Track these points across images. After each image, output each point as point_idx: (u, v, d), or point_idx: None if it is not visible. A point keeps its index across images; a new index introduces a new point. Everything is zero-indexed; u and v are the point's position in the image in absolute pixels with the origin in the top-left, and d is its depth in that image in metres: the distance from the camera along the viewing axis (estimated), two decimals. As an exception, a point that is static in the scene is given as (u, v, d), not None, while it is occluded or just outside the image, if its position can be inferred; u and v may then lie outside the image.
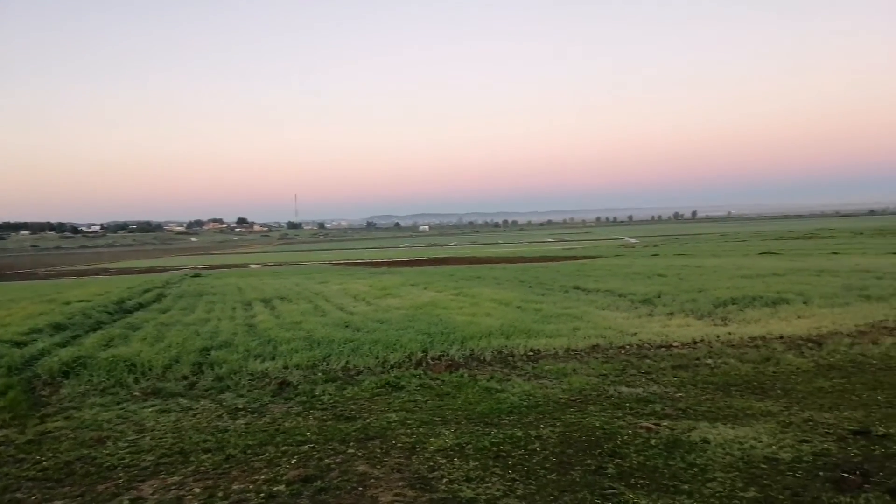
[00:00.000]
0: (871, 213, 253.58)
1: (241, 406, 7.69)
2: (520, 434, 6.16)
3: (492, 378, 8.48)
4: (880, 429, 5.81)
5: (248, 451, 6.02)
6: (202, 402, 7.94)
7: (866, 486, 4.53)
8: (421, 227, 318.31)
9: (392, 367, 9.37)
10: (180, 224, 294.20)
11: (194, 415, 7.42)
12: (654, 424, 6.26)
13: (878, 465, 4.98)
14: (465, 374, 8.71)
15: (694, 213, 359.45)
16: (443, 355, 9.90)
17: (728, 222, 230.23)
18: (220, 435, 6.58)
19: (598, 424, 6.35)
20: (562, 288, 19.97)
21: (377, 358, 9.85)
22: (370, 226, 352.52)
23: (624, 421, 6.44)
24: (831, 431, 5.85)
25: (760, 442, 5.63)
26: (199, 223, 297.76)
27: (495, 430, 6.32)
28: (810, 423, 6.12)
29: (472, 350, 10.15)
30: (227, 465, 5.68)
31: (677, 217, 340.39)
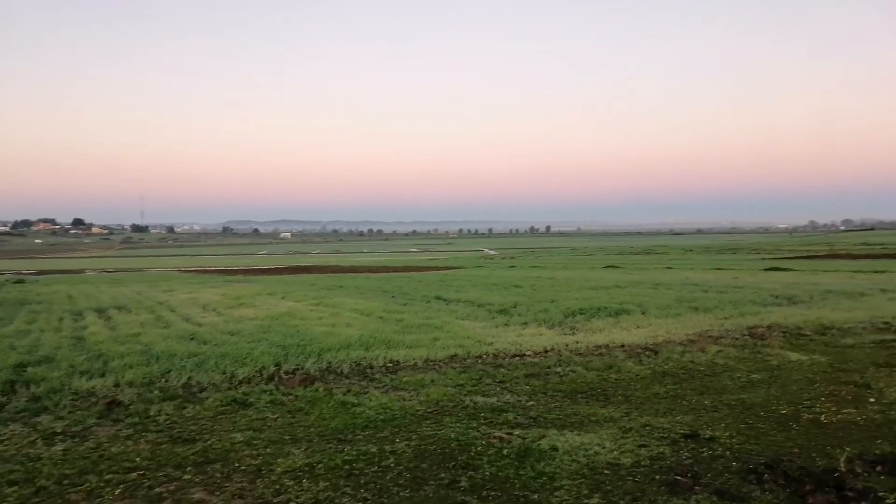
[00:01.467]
0: (699, 231, 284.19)
1: (59, 430, 6.77)
2: (374, 450, 5.96)
3: (348, 391, 8.20)
4: (707, 432, 6.31)
5: (65, 482, 5.28)
6: (12, 427, 6.90)
7: (696, 487, 4.86)
8: (282, 234, 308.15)
9: (241, 382, 8.78)
10: (4, 224, 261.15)
11: (0, 442, 6.41)
12: (507, 434, 6.35)
13: (706, 466, 5.38)
14: (321, 389, 8.36)
15: (548, 228, 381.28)
16: (297, 369, 9.45)
17: (578, 237, 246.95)
18: (30, 464, 5.72)
19: (453, 436, 6.32)
20: (424, 298, 20.08)
21: (224, 373, 9.19)
22: (226, 231, 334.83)
23: (478, 432, 6.46)
24: (666, 435, 6.26)
25: (604, 448, 5.89)
26: (26, 223, 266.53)
27: (349, 447, 6.07)
28: (648, 428, 6.52)
29: (330, 362, 9.80)
30: (37, 500, 4.93)
31: (533, 231, 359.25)
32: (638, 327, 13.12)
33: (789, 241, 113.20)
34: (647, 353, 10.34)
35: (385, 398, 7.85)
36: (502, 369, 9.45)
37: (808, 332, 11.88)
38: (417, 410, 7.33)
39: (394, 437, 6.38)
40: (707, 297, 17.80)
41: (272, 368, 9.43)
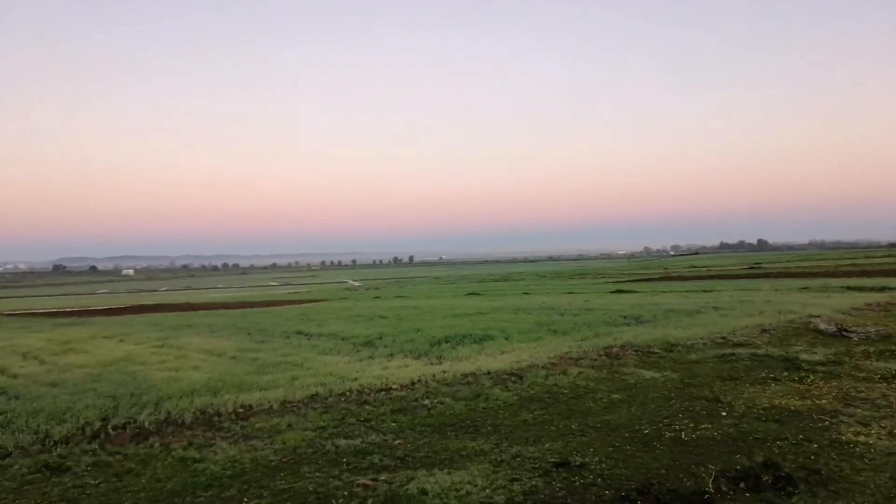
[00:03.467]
0: (550, 258, 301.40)
1: None
2: (218, 514, 5.12)
3: (190, 445, 7.17)
4: (577, 458, 6.16)
5: None
6: None
7: (573, 522, 4.60)
8: (124, 271, 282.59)
9: (57, 443, 7.39)
10: None
11: None
12: (372, 480, 5.77)
13: (580, 497, 5.18)
14: (157, 444, 7.24)
15: (411, 258, 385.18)
16: (129, 422, 8.18)
17: (440, 266, 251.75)
18: None
19: (311, 488, 5.63)
20: (283, 334, 18.88)
21: (37, 433, 7.73)
22: (58, 269, 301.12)
23: (340, 480, 5.83)
24: (537, 465, 6.03)
25: (475, 486, 5.51)
26: None
27: (187, 514, 5.17)
28: (518, 459, 6.26)
29: (170, 412, 8.61)
30: None
31: (397, 261, 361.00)
32: (502, 353, 13.11)
33: (629, 265, 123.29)
34: (512, 378, 10.24)
35: (234, 449, 6.94)
36: (367, 406, 8.85)
37: (657, 350, 12.50)
38: (271, 461, 6.53)
39: (241, 495, 5.56)
40: (563, 320, 18.40)
41: (98, 424, 8.08)
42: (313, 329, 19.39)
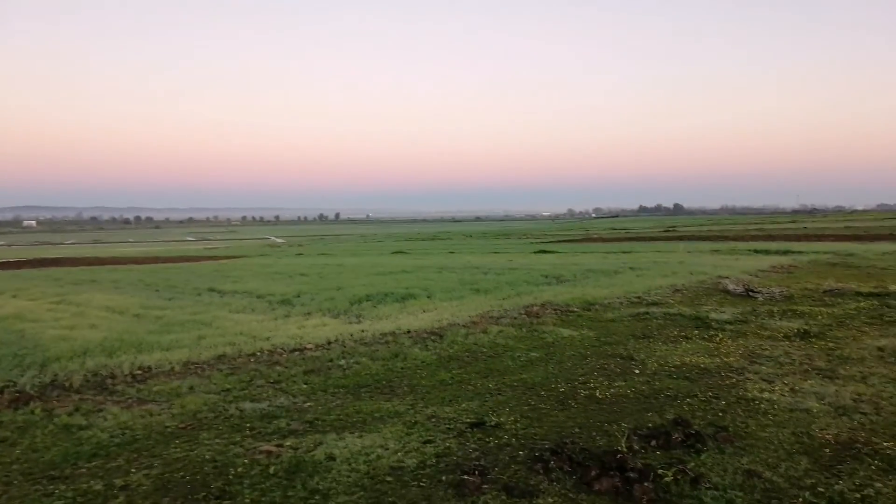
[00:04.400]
0: (478, 219, 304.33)
1: None
2: (99, 487, 4.64)
3: (76, 411, 6.55)
4: (493, 418, 6.03)
5: None
6: None
7: (485, 486, 4.43)
8: (25, 223, 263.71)
9: (-82, 411, 6.60)
10: None
11: None
12: (277, 446, 5.42)
13: (494, 458, 5.02)
14: (38, 410, 6.58)
15: (337, 215, 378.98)
16: (7, 386, 7.42)
17: (367, 224, 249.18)
18: None
19: (208, 457, 5.21)
20: (195, 291, 17.95)
21: None
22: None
23: (242, 447, 5.44)
24: (452, 426, 5.85)
25: (387, 449, 5.26)
26: None
27: (63, 487, 4.66)
28: (433, 420, 6.06)
29: (56, 374, 7.89)
30: None
31: (322, 218, 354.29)
32: (424, 311, 12.90)
33: (552, 226, 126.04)
34: (433, 337, 10.05)
35: (126, 415, 6.39)
36: (278, 367, 8.42)
37: (576, 309, 12.63)
38: (167, 427, 6.04)
39: (130, 465, 5.08)
40: (487, 279, 18.41)
41: (-30, 388, 7.29)
42: (227, 286, 18.55)
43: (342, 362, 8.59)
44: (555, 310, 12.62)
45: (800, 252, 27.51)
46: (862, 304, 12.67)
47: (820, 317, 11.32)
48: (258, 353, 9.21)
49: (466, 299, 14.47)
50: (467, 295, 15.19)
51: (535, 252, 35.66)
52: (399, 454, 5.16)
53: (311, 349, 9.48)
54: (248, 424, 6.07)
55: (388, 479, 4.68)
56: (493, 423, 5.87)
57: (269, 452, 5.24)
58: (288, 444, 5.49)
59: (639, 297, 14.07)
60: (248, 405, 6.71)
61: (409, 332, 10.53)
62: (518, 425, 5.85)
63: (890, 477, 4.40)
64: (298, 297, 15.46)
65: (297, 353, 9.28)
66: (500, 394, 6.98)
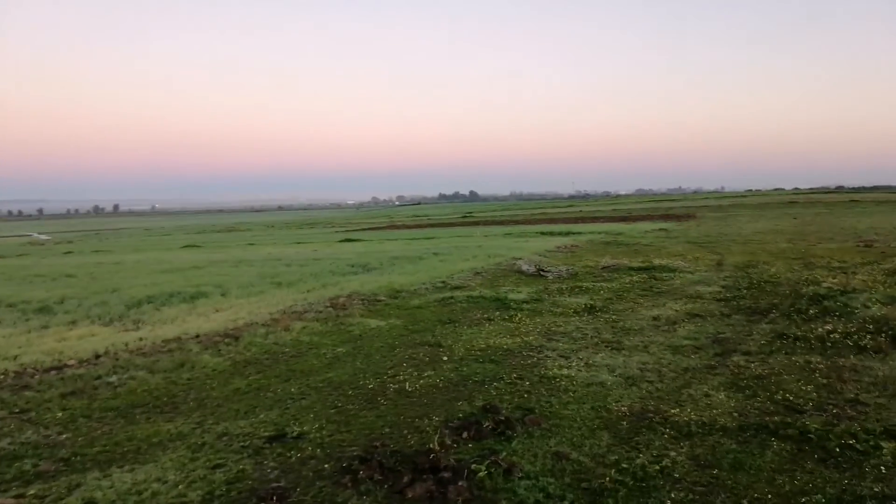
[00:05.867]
0: (280, 208, 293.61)
1: None
2: None
3: None
4: (295, 428, 5.42)
5: None
6: None
7: (284, 514, 3.86)
8: None
9: None
10: None
11: None
12: (17, 498, 4.28)
13: (296, 476, 4.45)
14: None
15: (116, 207, 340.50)
16: None
17: (153, 216, 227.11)
18: None
19: None
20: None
21: None
22: None
23: (-38, 507, 4.21)
24: (247, 444, 5.13)
25: (165, 483, 4.42)
26: None
27: None
28: (225, 439, 5.28)
29: None
30: None
31: (98, 210, 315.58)
32: (217, 311, 11.68)
33: (357, 215, 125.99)
34: (226, 340, 9.04)
35: None
36: (28, 392, 6.89)
37: (383, 297, 12.35)
38: None
39: None
40: (290, 271, 17.43)
41: None
42: (-34, 295, 15.26)
43: (113, 379, 7.30)
44: (362, 300, 12.22)
45: (579, 233, 30.36)
46: (634, 277, 14.11)
47: (602, 292, 12.34)
48: (1, 377, 7.49)
49: (267, 294, 13.46)
50: (268, 289, 14.16)
51: (340, 241, 35.01)
52: (180, 487, 4.35)
53: (73, 366, 7.95)
54: (-25, 474, 4.76)
55: (166, 521, 3.88)
56: (294, 434, 5.27)
57: (1, 510, 4.11)
58: (32, 492, 4.37)
59: (443, 282, 14.22)
60: (-22, 448, 5.30)
61: (198, 336, 9.37)
62: (323, 433, 5.32)
63: (681, 444, 4.67)
64: (62, 303, 13.16)
65: (54, 372, 7.71)
66: (303, 398, 6.37)
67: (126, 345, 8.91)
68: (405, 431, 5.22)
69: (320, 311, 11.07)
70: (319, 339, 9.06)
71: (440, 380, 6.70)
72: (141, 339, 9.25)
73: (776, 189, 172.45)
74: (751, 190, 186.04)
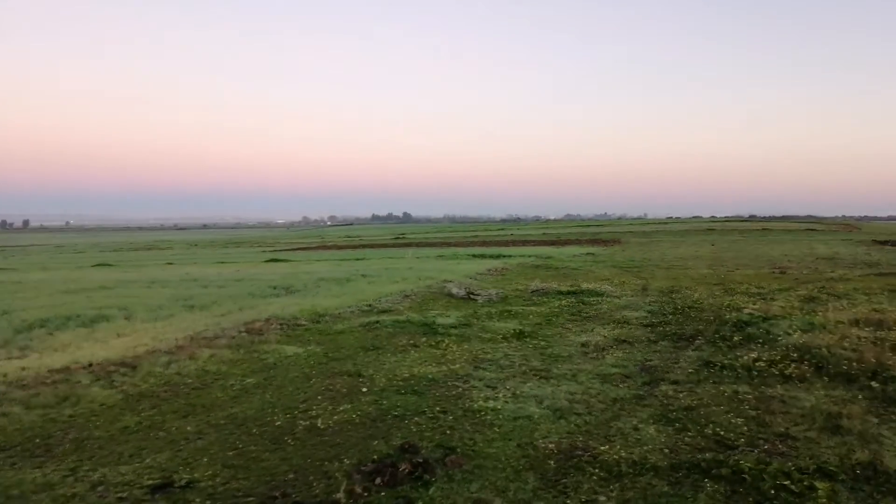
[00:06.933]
0: (205, 227, 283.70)
1: None
2: None
3: None
4: (184, 475, 4.75)
5: None
6: None
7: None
8: None
9: None
10: None
11: None
12: None
13: (174, 539, 3.82)
14: None
15: (26, 223, 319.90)
16: None
17: (67, 233, 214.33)
18: None
19: None
20: None
21: None
22: None
23: None
24: (125, 495, 4.44)
25: (15, 551, 3.69)
26: None
27: None
28: (100, 489, 4.56)
29: None
30: None
31: (6, 226, 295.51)
32: (119, 336, 10.67)
33: (287, 234, 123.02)
34: (122, 370, 8.15)
35: None
36: None
37: (304, 322, 11.66)
38: None
39: None
40: (206, 292, 16.40)
41: None
42: None
43: (-22, 417, 6.36)
44: (280, 324, 11.48)
45: (510, 256, 30.43)
46: (563, 301, 14.00)
47: (531, 316, 12.11)
48: None
49: (176, 318, 12.49)
50: (178, 313, 13.17)
51: (266, 261, 33.75)
52: (33, 555, 3.63)
53: (-67, 402, 6.91)
54: None
55: None
56: (183, 483, 4.60)
57: None
58: None
59: (370, 305, 13.66)
60: None
61: (90, 365, 8.42)
62: (217, 480, 4.69)
63: (611, 487, 4.33)
64: (-61, 328, 11.75)
65: None
66: (199, 438, 5.68)
67: (4, 376, 7.88)
68: (311, 477, 4.65)
69: (233, 337, 10.27)
70: (228, 368, 8.31)
71: (357, 414, 6.15)
72: (23, 369, 8.22)
73: (695, 216, 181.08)
74: (671, 217, 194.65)
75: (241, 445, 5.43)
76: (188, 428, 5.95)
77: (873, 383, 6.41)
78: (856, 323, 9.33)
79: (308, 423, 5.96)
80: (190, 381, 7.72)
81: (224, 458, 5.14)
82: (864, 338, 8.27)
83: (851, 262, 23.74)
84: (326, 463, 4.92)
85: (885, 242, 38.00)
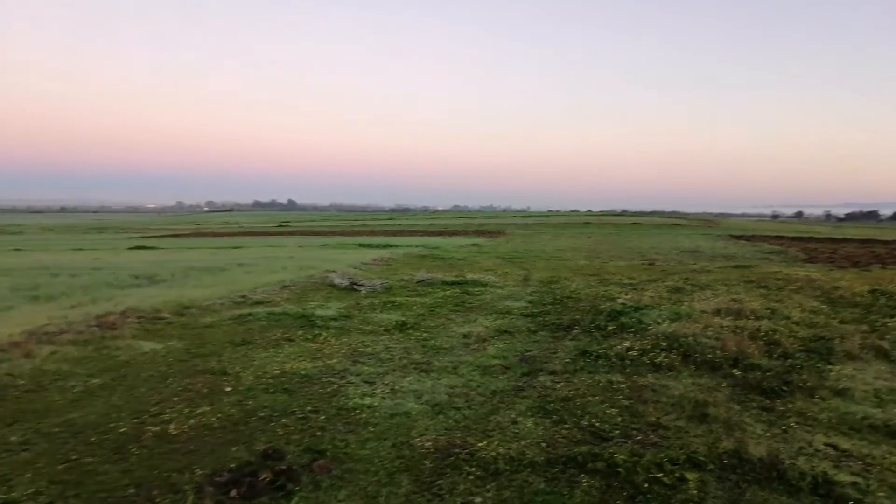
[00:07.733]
0: (63, 210, 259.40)
1: None
2: None
3: None
4: (1, 495, 4.02)
5: None
6: None
7: None
8: None
9: None
10: None
11: None
12: None
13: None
14: None
15: None
16: None
17: None
18: None
19: None
20: None
21: None
22: None
23: None
24: (-87, 528, 3.66)
25: None
26: None
27: None
28: None
29: None
30: None
31: None
32: (-61, 333, 9.20)
33: (158, 220, 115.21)
34: (-64, 373, 6.97)
35: None
36: None
37: (166, 315, 10.67)
38: None
39: None
40: (56, 282, 14.68)
41: None
42: None
43: None
44: (139, 317, 10.42)
45: (397, 246, 30.15)
46: (448, 292, 13.91)
47: (415, 307, 11.87)
48: None
49: (15, 311, 11.01)
50: (19, 305, 11.64)
51: (131, 248, 31.19)
52: None
53: None
54: None
55: None
56: (-6, 507, 3.88)
57: None
58: None
59: (244, 297, 12.81)
60: None
61: None
62: (40, 499, 4.00)
63: (488, 486, 4.14)
64: None
65: None
66: (26, 449, 4.88)
67: None
68: (155, 492, 4.08)
69: (81, 332, 9.15)
70: (71, 367, 7.34)
71: (217, 417, 5.57)
72: None
73: (573, 210, 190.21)
74: (552, 210, 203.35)
75: (74, 457, 4.71)
76: (12, 438, 5.10)
77: (735, 371, 6.75)
78: (718, 312, 9.91)
79: (158, 428, 5.30)
80: (22, 382, 6.71)
81: (52, 472, 4.42)
82: (726, 326, 8.78)
83: (712, 255, 25.73)
84: (175, 474, 4.35)
85: (739, 237, 41.97)
